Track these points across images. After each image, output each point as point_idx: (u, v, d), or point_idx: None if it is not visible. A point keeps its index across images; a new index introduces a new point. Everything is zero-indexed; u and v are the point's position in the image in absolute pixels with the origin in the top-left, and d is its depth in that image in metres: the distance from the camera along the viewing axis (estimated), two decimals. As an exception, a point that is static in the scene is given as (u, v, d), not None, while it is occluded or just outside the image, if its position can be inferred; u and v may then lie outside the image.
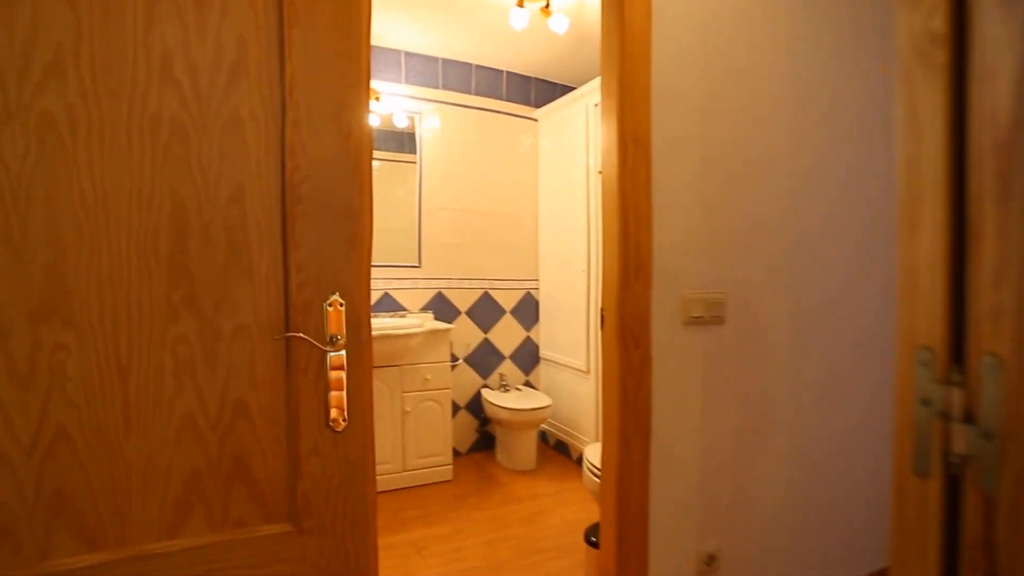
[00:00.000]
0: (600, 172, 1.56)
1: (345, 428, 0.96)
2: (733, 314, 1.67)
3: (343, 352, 0.95)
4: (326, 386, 0.95)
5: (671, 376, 1.57)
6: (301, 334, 0.92)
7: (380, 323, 3.12)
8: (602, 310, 1.56)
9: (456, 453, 3.56)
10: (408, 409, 3.07)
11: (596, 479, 1.98)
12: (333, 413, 0.95)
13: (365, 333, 1.02)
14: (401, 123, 3.36)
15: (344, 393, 0.96)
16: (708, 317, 1.62)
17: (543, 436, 3.82)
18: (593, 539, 2.03)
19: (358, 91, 0.99)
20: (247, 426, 0.92)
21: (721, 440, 1.67)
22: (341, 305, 0.95)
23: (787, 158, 1.75)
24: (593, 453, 2.12)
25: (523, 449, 3.33)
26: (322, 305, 0.94)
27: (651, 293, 1.51)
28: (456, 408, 3.57)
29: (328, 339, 0.94)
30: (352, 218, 0.98)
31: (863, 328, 1.95)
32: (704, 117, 1.61)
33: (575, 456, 3.44)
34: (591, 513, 2.69)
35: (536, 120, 3.78)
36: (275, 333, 0.92)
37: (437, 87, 3.52)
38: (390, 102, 3.37)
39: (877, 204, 1.97)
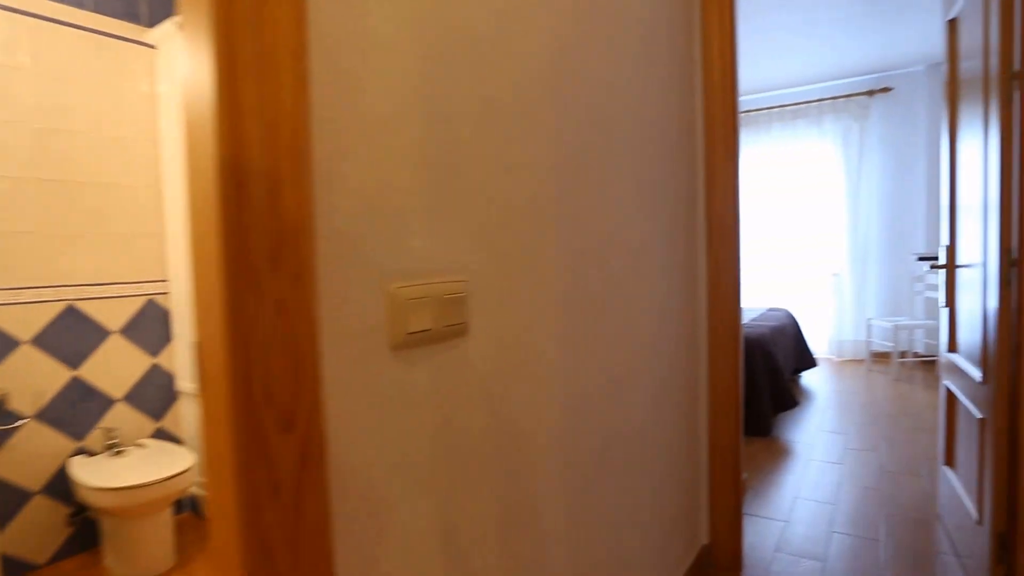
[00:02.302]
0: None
1: None
2: (483, 316, 0.97)
3: None
4: None
5: (373, 470, 0.78)
6: None
7: None
8: (198, 347, 0.69)
9: (26, 569, 2.21)
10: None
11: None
12: None
13: None
14: None
15: None
16: (441, 328, 0.89)
17: (192, 504, 2.68)
18: None
19: None
20: None
21: None
22: None
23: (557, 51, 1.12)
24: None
25: (150, 543, 2.17)
26: None
27: (317, 295, 0.70)
28: (22, 497, 2.20)
29: None
30: None
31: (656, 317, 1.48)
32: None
33: (239, 528, 2.42)
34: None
35: (154, 47, 2.57)
36: None
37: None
38: None
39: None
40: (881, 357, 5.46)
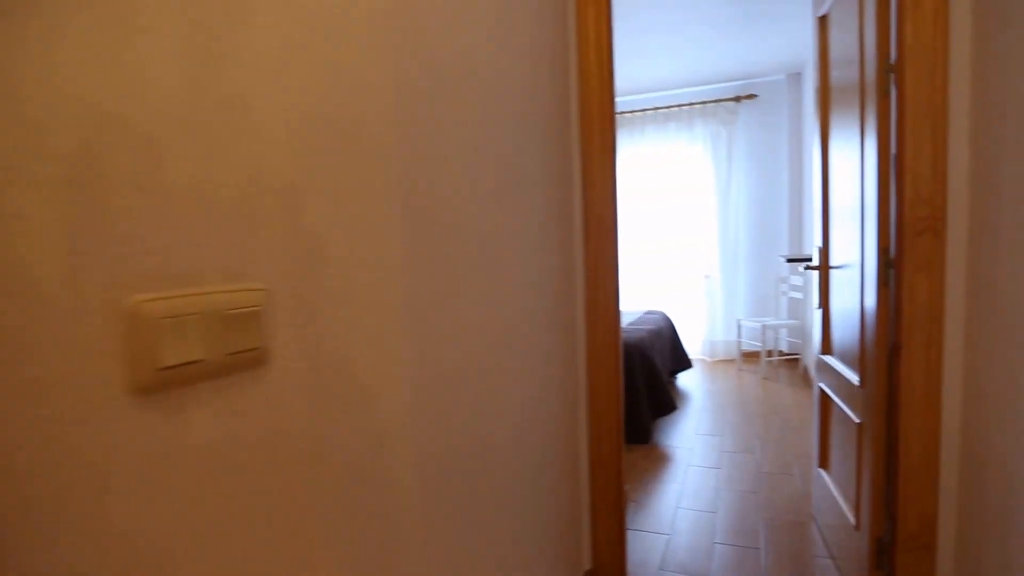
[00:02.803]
0: None
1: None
2: (292, 337, 0.69)
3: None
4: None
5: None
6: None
7: None
8: None
9: None
10: None
11: None
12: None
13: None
14: None
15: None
16: (223, 358, 0.60)
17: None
18: None
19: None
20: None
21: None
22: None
23: None
24: None
25: None
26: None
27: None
28: None
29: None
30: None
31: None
32: None
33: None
34: None
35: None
36: None
37: None
38: None
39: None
40: (750, 356, 5.70)
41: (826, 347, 2.15)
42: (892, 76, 1.53)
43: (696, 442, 3.37)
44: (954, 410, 1.49)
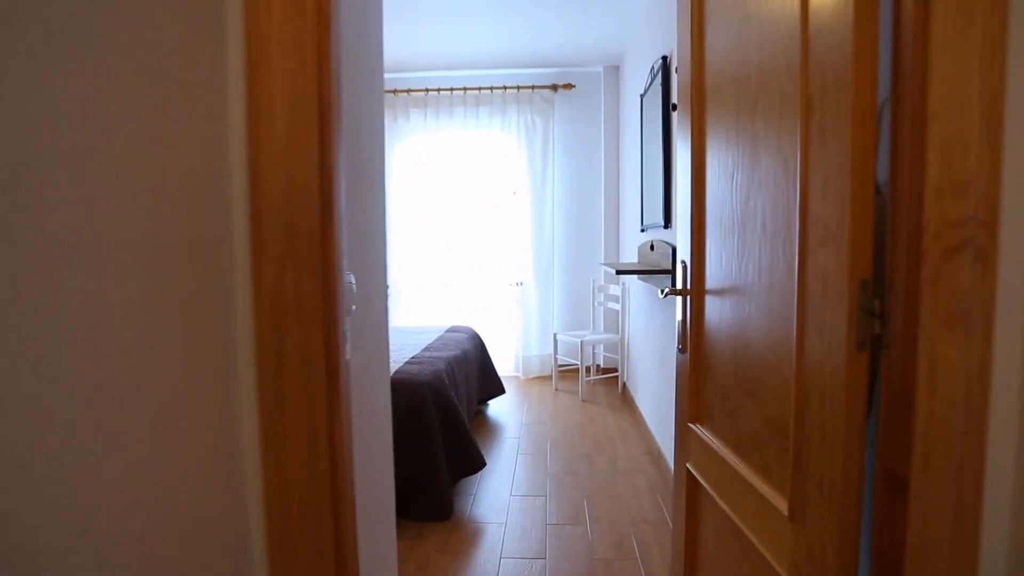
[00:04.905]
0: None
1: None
2: None
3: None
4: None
5: None
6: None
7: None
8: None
9: None
10: None
11: None
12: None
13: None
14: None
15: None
16: None
17: None
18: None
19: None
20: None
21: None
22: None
23: None
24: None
25: None
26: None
27: None
28: None
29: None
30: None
31: None
32: None
33: None
34: None
35: None
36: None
37: None
38: None
39: None
40: (567, 373, 5.12)
41: (696, 413, 1.42)
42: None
43: (512, 509, 2.56)
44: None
